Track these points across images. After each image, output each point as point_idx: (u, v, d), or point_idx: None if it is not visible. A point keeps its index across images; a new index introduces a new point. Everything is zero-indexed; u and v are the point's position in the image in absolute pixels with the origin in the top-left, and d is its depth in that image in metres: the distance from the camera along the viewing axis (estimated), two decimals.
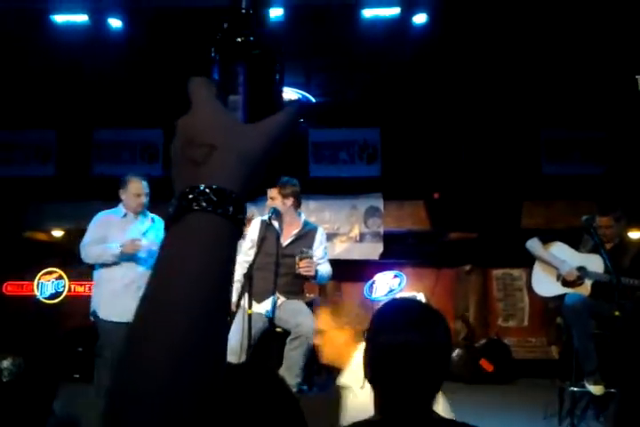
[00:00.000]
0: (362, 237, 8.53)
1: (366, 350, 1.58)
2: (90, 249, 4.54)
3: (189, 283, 0.58)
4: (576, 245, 4.93)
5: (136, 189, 4.67)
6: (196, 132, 0.65)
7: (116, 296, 4.36)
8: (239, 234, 0.63)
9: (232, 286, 0.64)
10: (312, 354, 4.20)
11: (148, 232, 4.69)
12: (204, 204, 0.60)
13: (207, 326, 0.57)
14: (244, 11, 0.68)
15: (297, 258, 4.22)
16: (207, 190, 0.61)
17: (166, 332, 0.55)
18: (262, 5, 0.69)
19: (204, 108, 0.66)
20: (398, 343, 1.50)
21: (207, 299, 0.58)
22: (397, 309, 1.69)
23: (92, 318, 4.59)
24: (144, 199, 4.68)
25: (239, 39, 0.68)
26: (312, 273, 4.24)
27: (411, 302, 1.94)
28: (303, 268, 4.19)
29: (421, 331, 1.53)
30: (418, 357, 1.49)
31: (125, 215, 4.72)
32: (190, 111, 0.67)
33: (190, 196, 0.61)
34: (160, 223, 4.72)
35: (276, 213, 4.35)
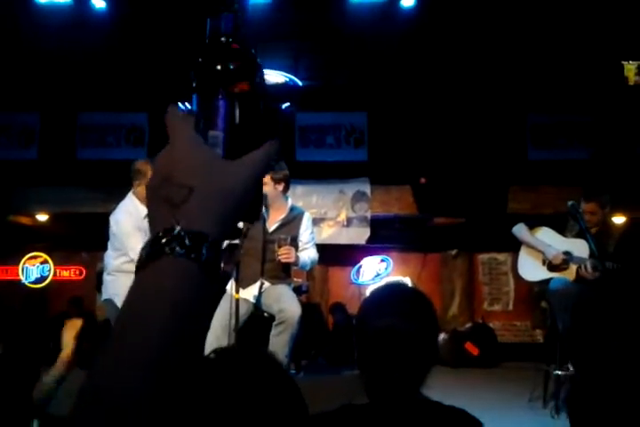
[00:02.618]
0: (349, 222, 8.54)
1: (354, 336, 1.58)
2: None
3: (148, 340, 0.53)
4: (562, 229, 4.96)
5: None
6: (173, 170, 0.61)
7: None
8: (217, 282, 0.60)
9: (204, 342, 0.61)
10: (298, 338, 4.22)
11: None
12: (176, 248, 0.56)
13: (164, 386, 0.53)
14: (223, 38, 0.65)
15: (275, 245, 4.21)
16: (182, 233, 0.57)
17: (117, 394, 0.52)
18: (241, 27, 0.66)
19: (182, 143, 0.63)
20: (383, 328, 1.50)
21: (167, 358, 0.53)
22: (384, 294, 1.69)
23: (105, 304, 4.40)
24: None
25: (219, 67, 0.64)
26: (292, 259, 4.20)
27: (398, 288, 1.94)
28: (282, 255, 4.16)
29: (406, 316, 1.53)
30: (403, 341, 1.49)
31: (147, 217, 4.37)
32: (168, 146, 0.64)
33: (163, 239, 0.57)
34: None
35: (264, 199, 4.34)
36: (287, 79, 9.68)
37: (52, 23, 7.87)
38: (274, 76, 9.81)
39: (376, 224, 8.55)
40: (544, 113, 8.50)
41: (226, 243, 0.64)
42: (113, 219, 4.39)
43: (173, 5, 8.06)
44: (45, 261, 9.57)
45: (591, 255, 4.61)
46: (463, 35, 8.06)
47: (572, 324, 4.35)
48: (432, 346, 1.57)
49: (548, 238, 4.90)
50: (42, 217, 9.11)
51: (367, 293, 8.56)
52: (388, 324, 1.51)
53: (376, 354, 1.50)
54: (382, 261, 9.26)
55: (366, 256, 9.23)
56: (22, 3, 7.83)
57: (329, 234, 8.44)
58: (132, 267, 0.61)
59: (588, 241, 4.61)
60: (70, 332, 1.89)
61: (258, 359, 0.94)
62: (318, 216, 8.27)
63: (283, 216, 4.41)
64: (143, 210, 4.25)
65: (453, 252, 9.29)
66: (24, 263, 9.54)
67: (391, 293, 1.70)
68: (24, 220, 9.27)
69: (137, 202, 4.36)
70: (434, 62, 8.36)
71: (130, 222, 4.29)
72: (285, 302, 4.17)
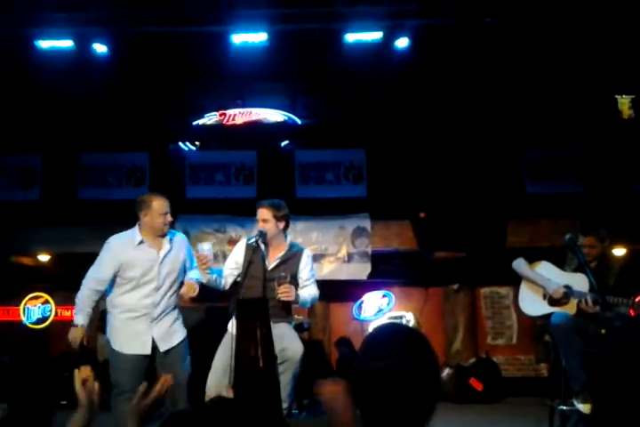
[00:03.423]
0: (350, 258, 8.55)
1: (353, 379, 1.59)
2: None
3: None
4: (561, 263, 4.96)
5: (161, 207, 4.30)
6: None
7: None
8: None
9: None
10: (301, 377, 4.20)
11: (167, 257, 4.38)
12: None
13: None
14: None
15: (275, 283, 4.21)
16: None
17: None
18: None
19: None
20: (380, 370, 1.51)
21: None
22: (382, 335, 1.70)
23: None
24: (170, 217, 4.36)
25: None
26: (292, 298, 4.19)
27: (397, 328, 1.95)
28: (282, 293, 4.15)
29: (404, 356, 1.53)
30: (401, 383, 1.49)
31: (141, 243, 4.33)
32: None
33: None
34: (179, 240, 4.48)
35: (263, 237, 4.35)
36: (286, 118, 9.83)
37: (54, 67, 8.01)
38: (273, 115, 9.96)
39: (377, 259, 8.56)
40: (540, 147, 8.60)
41: None
42: None
43: (173, 50, 8.24)
44: (47, 302, 9.55)
45: (591, 289, 4.61)
46: (458, 72, 8.21)
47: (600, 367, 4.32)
48: (433, 387, 1.56)
49: (548, 273, 4.91)
50: (43, 257, 9.13)
51: (370, 328, 8.53)
52: (386, 365, 1.51)
53: (373, 396, 1.51)
54: (384, 296, 9.24)
55: (368, 292, 9.21)
56: (24, 47, 7.99)
57: (330, 270, 8.44)
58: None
59: (587, 275, 4.61)
60: (78, 380, 1.91)
61: (253, 409, 0.96)
62: (319, 252, 8.30)
63: (282, 254, 4.43)
64: (139, 238, 4.34)
65: (455, 286, 9.26)
66: (25, 304, 9.52)
67: (390, 334, 1.70)
68: (25, 260, 9.28)
69: (137, 231, 4.39)
70: (429, 99, 8.49)
71: (109, 251, 4.37)
72: (287, 342, 4.16)
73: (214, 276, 4.31)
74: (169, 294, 4.38)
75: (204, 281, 4.30)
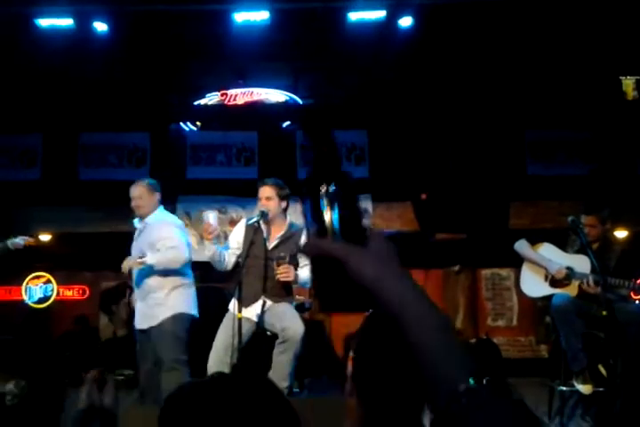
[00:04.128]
0: None
1: (352, 365, 1.58)
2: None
3: None
4: (563, 245, 4.96)
5: (130, 192, 4.68)
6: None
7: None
8: None
9: None
10: (302, 357, 4.21)
11: (136, 239, 4.60)
12: None
13: None
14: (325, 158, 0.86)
15: (274, 263, 4.22)
16: None
17: None
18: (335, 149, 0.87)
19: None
20: (382, 354, 1.50)
21: None
22: (381, 320, 1.69)
23: (184, 318, 4.44)
24: (133, 202, 4.58)
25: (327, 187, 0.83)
26: (290, 278, 4.19)
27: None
28: (281, 273, 4.16)
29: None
30: (403, 367, 1.49)
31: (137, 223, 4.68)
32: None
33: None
34: (154, 223, 4.53)
35: (265, 217, 4.35)
36: (288, 98, 9.76)
37: (54, 46, 7.93)
38: (275, 95, 9.89)
39: None
40: (542, 129, 8.55)
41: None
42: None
43: (173, 29, 8.15)
44: (48, 281, 9.57)
45: (593, 270, 4.61)
46: (461, 52, 8.13)
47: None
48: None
49: (550, 254, 4.91)
50: (44, 237, 9.13)
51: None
52: (388, 350, 1.50)
53: (374, 381, 1.50)
54: None
55: None
56: (24, 26, 7.91)
57: None
58: None
59: (589, 256, 4.61)
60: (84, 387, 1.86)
61: (254, 385, 0.95)
62: None
63: (282, 233, 4.42)
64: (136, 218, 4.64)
65: (456, 268, 9.27)
66: (27, 283, 9.54)
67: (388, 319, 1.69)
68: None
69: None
70: (432, 80, 8.42)
71: None
72: (288, 321, 4.17)
73: (219, 251, 4.30)
74: (143, 274, 4.45)
75: (208, 254, 4.27)
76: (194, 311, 4.50)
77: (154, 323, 4.36)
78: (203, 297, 4.72)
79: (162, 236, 4.42)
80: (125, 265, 4.40)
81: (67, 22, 7.93)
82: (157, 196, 4.60)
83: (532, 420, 0.77)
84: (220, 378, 0.98)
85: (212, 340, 4.23)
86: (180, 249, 4.39)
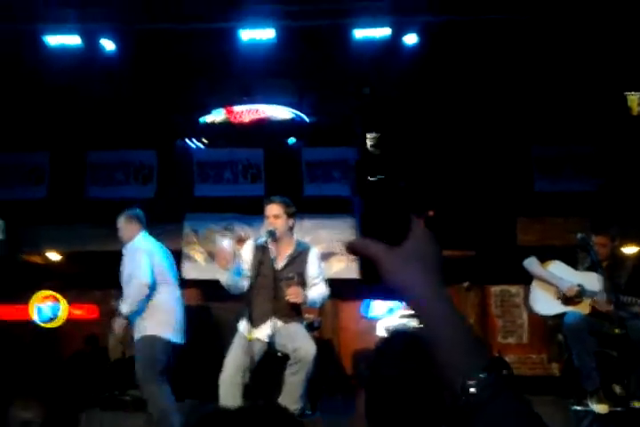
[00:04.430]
0: None
1: (366, 386, 1.56)
2: None
3: None
4: (572, 262, 4.92)
5: None
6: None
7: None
8: None
9: None
10: (314, 377, 4.16)
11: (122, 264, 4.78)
12: None
13: None
14: (371, 151, 0.85)
15: (283, 284, 4.17)
16: None
17: None
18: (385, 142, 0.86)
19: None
20: (394, 376, 1.48)
21: None
22: (394, 343, 1.68)
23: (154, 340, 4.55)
24: (119, 232, 4.82)
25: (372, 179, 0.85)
26: (299, 300, 4.15)
27: (407, 335, 1.93)
28: (290, 296, 4.12)
29: (417, 362, 1.51)
30: (416, 388, 1.47)
31: None
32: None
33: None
34: (130, 248, 4.68)
35: (273, 236, 4.31)
36: (293, 115, 9.78)
37: (62, 64, 7.98)
38: (281, 112, 9.92)
39: None
40: (549, 145, 8.54)
41: None
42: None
43: (180, 47, 8.20)
44: (57, 300, 9.53)
45: (604, 288, 4.57)
46: (466, 69, 8.15)
47: None
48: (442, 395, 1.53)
49: (560, 272, 4.87)
50: (53, 255, 9.13)
51: (378, 327, 8.49)
52: (400, 371, 1.49)
53: (388, 402, 1.48)
54: None
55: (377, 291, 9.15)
56: (32, 44, 7.97)
57: (339, 268, 8.41)
58: None
59: (600, 274, 4.58)
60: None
61: (266, 415, 0.93)
62: (327, 251, 8.25)
63: (290, 252, 4.38)
64: None
65: (465, 284, 9.22)
66: (36, 302, 9.49)
67: (401, 341, 1.68)
68: (35, 258, 9.29)
69: None
70: (438, 96, 8.43)
71: None
72: (300, 342, 4.13)
73: (235, 277, 4.25)
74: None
75: (222, 279, 4.23)
76: (167, 335, 4.54)
77: (135, 338, 4.61)
78: (206, 316, 4.74)
79: (131, 267, 4.60)
80: (116, 327, 4.60)
81: (74, 41, 7.99)
82: (135, 224, 4.75)
83: (537, 417, 0.77)
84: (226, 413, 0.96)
85: (216, 359, 4.21)
86: (137, 276, 4.49)
